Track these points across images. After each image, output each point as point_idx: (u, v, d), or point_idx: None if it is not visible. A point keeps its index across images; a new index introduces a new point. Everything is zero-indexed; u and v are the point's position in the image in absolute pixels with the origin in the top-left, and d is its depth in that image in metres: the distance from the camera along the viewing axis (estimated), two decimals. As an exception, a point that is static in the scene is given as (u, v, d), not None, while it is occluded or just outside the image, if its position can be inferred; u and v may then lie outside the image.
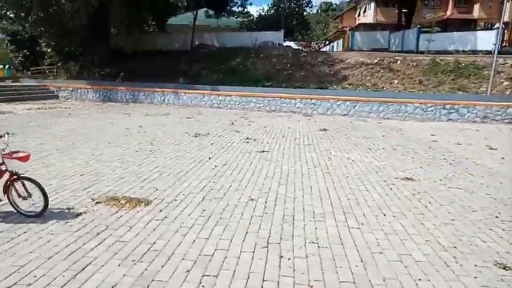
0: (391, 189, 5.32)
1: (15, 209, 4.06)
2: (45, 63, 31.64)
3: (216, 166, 6.38)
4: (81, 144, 8.11)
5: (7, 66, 25.22)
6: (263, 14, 32.13)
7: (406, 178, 5.86)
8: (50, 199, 4.48)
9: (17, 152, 4.14)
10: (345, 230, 3.82)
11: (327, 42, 39.63)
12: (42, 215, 3.98)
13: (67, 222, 3.88)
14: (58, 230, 3.68)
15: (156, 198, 4.63)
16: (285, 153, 7.70)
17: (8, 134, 4.28)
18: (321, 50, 32.05)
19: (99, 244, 3.40)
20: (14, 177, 3.98)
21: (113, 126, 11.02)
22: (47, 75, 28.50)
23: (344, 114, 15.75)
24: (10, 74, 24.32)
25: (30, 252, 3.21)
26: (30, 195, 4.03)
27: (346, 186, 5.38)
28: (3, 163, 3.97)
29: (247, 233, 3.71)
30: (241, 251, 3.33)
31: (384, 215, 4.27)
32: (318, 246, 3.42)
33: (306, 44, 34.38)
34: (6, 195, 4.03)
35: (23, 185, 4.02)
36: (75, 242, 3.42)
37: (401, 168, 6.59)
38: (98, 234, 3.62)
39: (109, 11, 20.76)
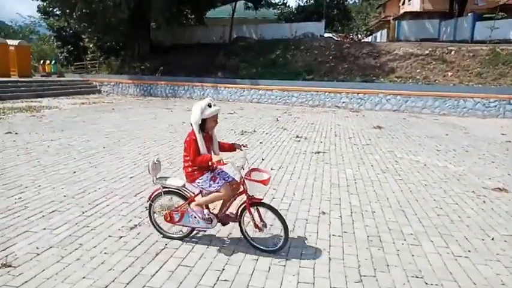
0: (484, 202, 4.50)
1: (247, 239, 3.29)
2: (87, 58, 32.34)
3: (272, 169, 5.79)
4: (127, 141, 7.77)
5: (53, 61, 25.86)
6: (302, 4, 31.01)
7: (498, 188, 4.99)
8: (100, 206, 4.07)
9: (257, 170, 3.25)
10: (450, 259, 3.09)
11: (368, 33, 37.95)
12: (279, 251, 3.20)
13: (121, 237, 3.42)
14: (112, 247, 3.22)
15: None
16: (344, 154, 6.98)
17: (244, 146, 3.40)
18: (362, 41, 30.61)
19: (159, 269, 2.89)
20: (252, 201, 3.17)
21: (156, 122, 10.70)
22: (89, 70, 29.09)
23: (394, 110, 14.69)
24: (56, 69, 24.90)
25: (83, 277, 2.75)
26: (265, 225, 3.25)
27: (429, 198, 4.61)
28: (243, 182, 3.16)
29: (330, 259, 3.08)
30: None
31: (492, 238, 3.49)
32: (426, 283, 2.73)
33: (344, 36, 32.98)
34: (238, 222, 3.29)
35: (258, 211, 3.25)
36: (133, 266, 2.93)
37: (485, 175, 5.70)
38: (156, 255, 3.12)
39: (150, 4, 20.59)
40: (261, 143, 7.95)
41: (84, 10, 21.41)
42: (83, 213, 3.90)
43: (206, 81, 19.78)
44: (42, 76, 23.42)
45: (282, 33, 25.34)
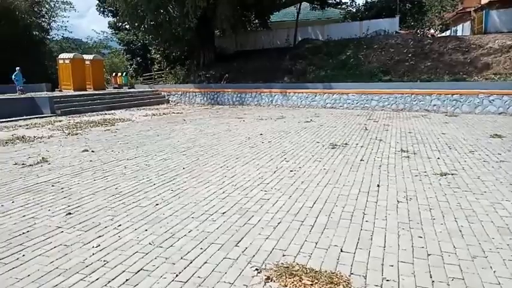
0: None
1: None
2: (154, 69, 33.07)
3: (398, 202, 4.43)
4: (206, 159, 6.86)
5: (124, 73, 26.60)
6: (371, 0, 28.92)
7: None
8: (196, 264, 3.03)
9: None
10: None
11: (444, 28, 34.49)
12: None
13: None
14: None
15: (352, 273, 2.87)
16: (481, 176, 5.38)
17: None
18: (435, 36, 27.61)
19: None
20: None
21: (231, 134, 9.79)
22: (157, 81, 29.58)
23: (500, 113, 12.41)
24: (127, 81, 25.53)
25: None
26: None
27: None
28: None
29: None
30: None
31: None
32: None
33: (414, 32, 30.05)
34: None
35: None
36: None
37: None
38: None
39: (214, 12, 20.13)
40: (362, 160, 6.58)
41: (151, 22, 21.59)
42: (176, 275, 2.88)
43: (274, 87, 18.76)
44: (114, 88, 24.08)
45: (351, 32, 23.58)
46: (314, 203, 4.42)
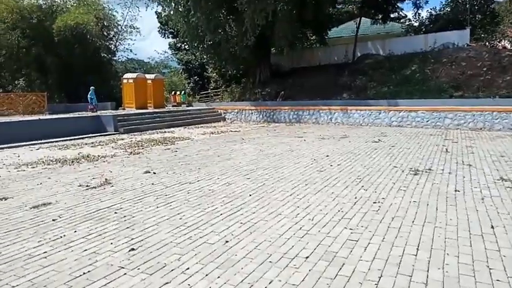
0: None
1: None
2: (211, 87, 33.62)
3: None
4: (273, 184, 6.23)
5: (183, 92, 27.21)
6: (436, 12, 27.16)
7: None
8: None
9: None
10: None
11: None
12: None
13: None
14: None
15: None
16: None
17: None
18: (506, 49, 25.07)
19: None
20: None
21: (294, 155, 9.10)
22: (213, 99, 29.94)
23: None
24: (185, 99, 26.04)
25: None
26: None
27: None
28: None
29: None
30: None
31: None
32: None
33: (478, 45, 27.61)
34: None
35: None
36: None
37: None
38: None
39: (272, 29, 19.88)
40: (457, 191, 5.56)
41: (210, 41, 21.87)
42: None
43: (333, 104, 17.90)
44: (173, 106, 24.62)
45: (415, 46, 22.16)
46: (417, 250, 3.57)
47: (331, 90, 21.75)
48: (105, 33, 25.81)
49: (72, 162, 8.88)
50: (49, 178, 7.21)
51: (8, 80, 25.57)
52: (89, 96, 19.37)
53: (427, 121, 14.33)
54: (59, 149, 11.38)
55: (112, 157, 9.54)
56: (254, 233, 4.13)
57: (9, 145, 11.76)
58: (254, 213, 4.83)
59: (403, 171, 7.04)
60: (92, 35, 23.15)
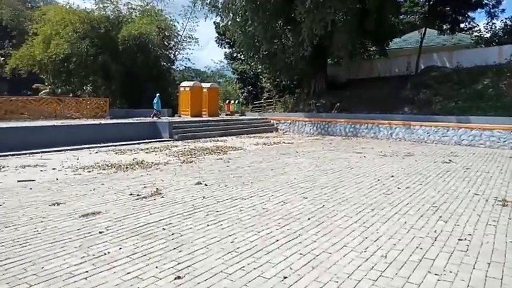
0: None
1: None
2: (264, 97, 33.40)
3: None
4: (333, 207, 5.54)
5: (237, 101, 27.24)
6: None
7: None
8: None
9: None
10: None
11: None
12: None
13: None
14: None
15: None
16: None
17: None
18: None
19: None
20: None
21: (354, 173, 8.31)
22: (266, 109, 29.63)
23: None
24: (239, 108, 25.99)
25: None
26: None
27: None
28: None
29: None
30: None
31: None
32: None
33: None
34: None
35: None
36: None
37: None
38: None
39: (330, 39, 19.15)
40: None
41: (266, 51, 21.61)
42: None
43: (394, 118, 16.69)
44: (226, 115, 24.65)
45: (488, 58, 20.18)
46: (536, 316, 2.72)
47: (391, 103, 20.41)
48: (165, 43, 26.67)
49: (127, 168, 8.83)
50: (102, 184, 7.12)
51: (76, 85, 27.25)
52: (154, 102, 19.86)
53: (504, 141, 12.73)
54: (116, 153, 11.55)
55: (165, 164, 9.39)
56: (317, 268, 3.50)
57: (71, 147, 12.17)
58: (315, 241, 4.19)
59: (487, 200, 6.01)
60: (153, 44, 23.98)
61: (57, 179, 7.55)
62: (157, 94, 20.20)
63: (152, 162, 9.61)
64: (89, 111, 20.09)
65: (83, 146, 12.46)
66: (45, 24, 24.66)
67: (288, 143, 14.67)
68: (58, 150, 11.73)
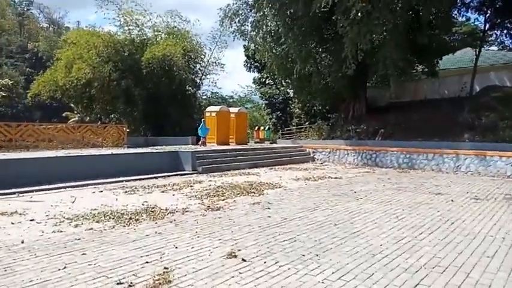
0: None
1: None
2: (293, 124, 30.75)
3: None
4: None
5: (267, 127, 24.73)
6: None
7: None
8: None
9: None
10: None
11: None
12: None
13: None
14: None
15: None
16: None
17: None
18: None
19: None
20: None
21: (461, 233, 5.36)
22: (297, 136, 26.90)
23: None
24: (269, 136, 23.43)
25: None
26: None
27: None
28: None
29: None
30: None
31: None
32: None
33: None
34: None
35: None
36: None
37: None
38: None
39: (374, 56, 16.49)
40: None
41: (300, 71, 19.14)
42: None
43: (461, 147, 13.53)
44: (255, 143, 22.10)
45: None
46: None
47: (446, 129, 17.22)
48: (191, 66, 24.80)
49: (130, 219, 6.21)
50: (83, 255, 4.50)
51: (98, 112, 25.64)
52: (199, 129, 18.17)
53: None
54: (125, 191, 9.04)
55: (183, 213, 6.74)
56: None
57: (73, 184, 9.79)
58: None
59: None
60: (178, 67, 22.10)
61: (22, 242, 5.01)
62: (203, 120, 18.53)
63: (166, 209, 6.98)
64: (107, 139, 18.02)
65: (87, 182, 10.05)
66: (68, 48, 23.38)
67: (335, 177, 11.78)
68: (55, 188, 9.35)
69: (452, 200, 7.89)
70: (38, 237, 5.25)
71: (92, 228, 5.68)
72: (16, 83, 40.56)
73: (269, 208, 7.14)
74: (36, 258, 4.38)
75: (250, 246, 4.80)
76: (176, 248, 4.75)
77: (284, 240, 5.04)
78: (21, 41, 53.21)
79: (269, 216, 6.46)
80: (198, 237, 5.25)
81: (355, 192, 8.96)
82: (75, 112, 33.66)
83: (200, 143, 18.07)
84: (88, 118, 28.07)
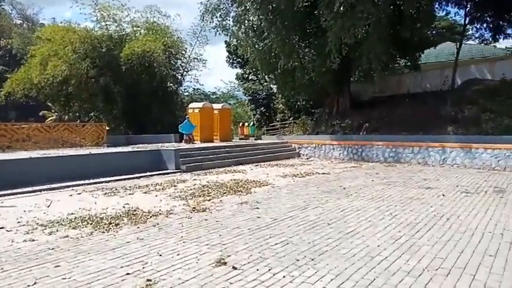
0: None
1: None
2: (277, 119, 30.52)
3: None
4: None
5: (252, 123, 24.36)
6: None
7: None
8: None
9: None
10: None
11: None
12: None
13: None
14: None
15: None
16: None
17: None
18: None
19: None
20: None
21: (458, 229, 5.18)
22: (281, 131, 26.68)
23: None
24: (254, 132, 23.08)
25: None
26: None
27: None
28: None
29: None
30: None
31: None
32: None
33: None
34: None
35: None
36: None
37: None
38: None
39: (360, 50, 16.32)
40: None
41: (284, 67, 18.83)
42: None
43: (447, 139, 13.54)
44: (240, 139, 21.72)
45: (540, 68, 17.11)
46: None
47: (429, 123, 17.25)
48: (172, 62, 24.10)
49: (110, 224, 5.77)
50: (57, 266, 4.07)
51: (76, 110, 24.69)
52: (181, 126, 17.73)
53: None
54: (105, 193, 8.54)
55: (167, 215, 6.33)
56: None
57: (48, 186, 9.21)
58: None
59: None
60: (158, 63, 21.38)
61: (-13, 255, 4.52)
62: (187, 116, 17.94)
63: (149, 212, 6.55)
64: (86, 138, 17.26)
65: (64, 184, 9.48)
66: (43, 45, 22.31)
67: (323, 173, 11.54)
68: (30, 192, 8.76)
69: (443, 195, 7.74)
70: (7, 248, 4.77)
71: (67, 236, 5.21)
72: (-12, 81, 38.74)
73: (258, 208, 6.81)
74: (2, 273, 3.92)
75: (240, 251, 4.46)
76: (160, 255, 4.36)
77: (276, 244, 4.71)
78: (-7, 38, 50.91)
79: (258, 217, 6.12)
80: (183, 242, 4.86)
81: (344, 188, 8.73)
82: (53, 111, 32.40)
83: (184, 140, 17.55)
84: (66, 117, 27.01)
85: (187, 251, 4.53)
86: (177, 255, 4.38)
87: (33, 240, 5.07)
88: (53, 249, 4.68)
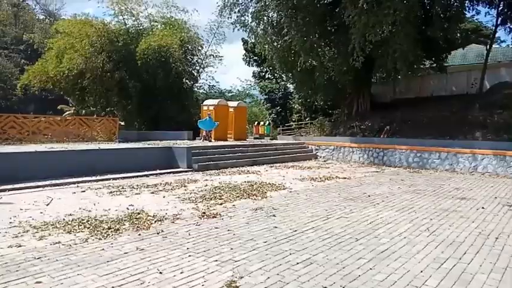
0: None
1: None
2: (293, 119, 29.64)
3: None
4: None
5: (267, 123, 23.60)
6: None
7: None
8: None
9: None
10: None
11: None
12: None
13: None
14: None
15: None
16: None
17: None
18: None
19: None
20: None
21: (498, 246, 4.30)
22: (297, 132, 25.81)
23: None
24: (270, 131, 22.32)
25: None
26: None
27: None
28: None
29: None
30: None
31: None
32: None
33: None
34: None
35: None
36: None
37: None
38: None
39: (385, 48, 15.34)
40: None
41: (303, 64, 18.00)
42: None
43: (477, 146, 12.50)
44: (255, 138, 20.98)
45: None
46: None
47: (455, 127, 16.18)
48: (188, 58, 23.50)
49: (109, 229, 5.11)
50: (38, 283, 3.40)
51: (90, 104, 24.39)
52: (200, 121, 17.41)
53: None
54: (110, 192, 7.93)
55: (173, 221, 5.64)
56: None
57: (53, 182, 8.66)
58: None
59: None
60: (174, 58, 20.82)
61: (-36, 263, 3.89)
62: (209, 113, 17.32)
63: (154, 216, 5.87)
64: (98, 132, 16.82)
65: (69, 181, 8.94)
66: (60, 38, 22.06)
67: (343, 178, 10.70)
68: (32, 187, 8.22)
69: (483, 208, 6.83)
70: (-11, 256, 4.14)
71: (59, 242, 4.57)
72: (10, 74, 39.08)
73: (274, 216, 6.05)
74: (-27, 289, 3.28)
75: (254, 271, 3.71)
76: (160, 273, 3.66)
77: (297, 263, 3.95)
78: (16, 32, 51.55)
79: (275, 227, 5.37)
80: (189, 255, 4.15)
81: (369, 196, 7.89)
82: (71, 105, 32.35)
83: (202, 136, 16.95)
84: (84, 111, 26.82)
85: (193, 267, 3.81)
86: (181, 273, 3.67)
87: (20, 245, 4.44)
88: (39, 258, 4.03)
